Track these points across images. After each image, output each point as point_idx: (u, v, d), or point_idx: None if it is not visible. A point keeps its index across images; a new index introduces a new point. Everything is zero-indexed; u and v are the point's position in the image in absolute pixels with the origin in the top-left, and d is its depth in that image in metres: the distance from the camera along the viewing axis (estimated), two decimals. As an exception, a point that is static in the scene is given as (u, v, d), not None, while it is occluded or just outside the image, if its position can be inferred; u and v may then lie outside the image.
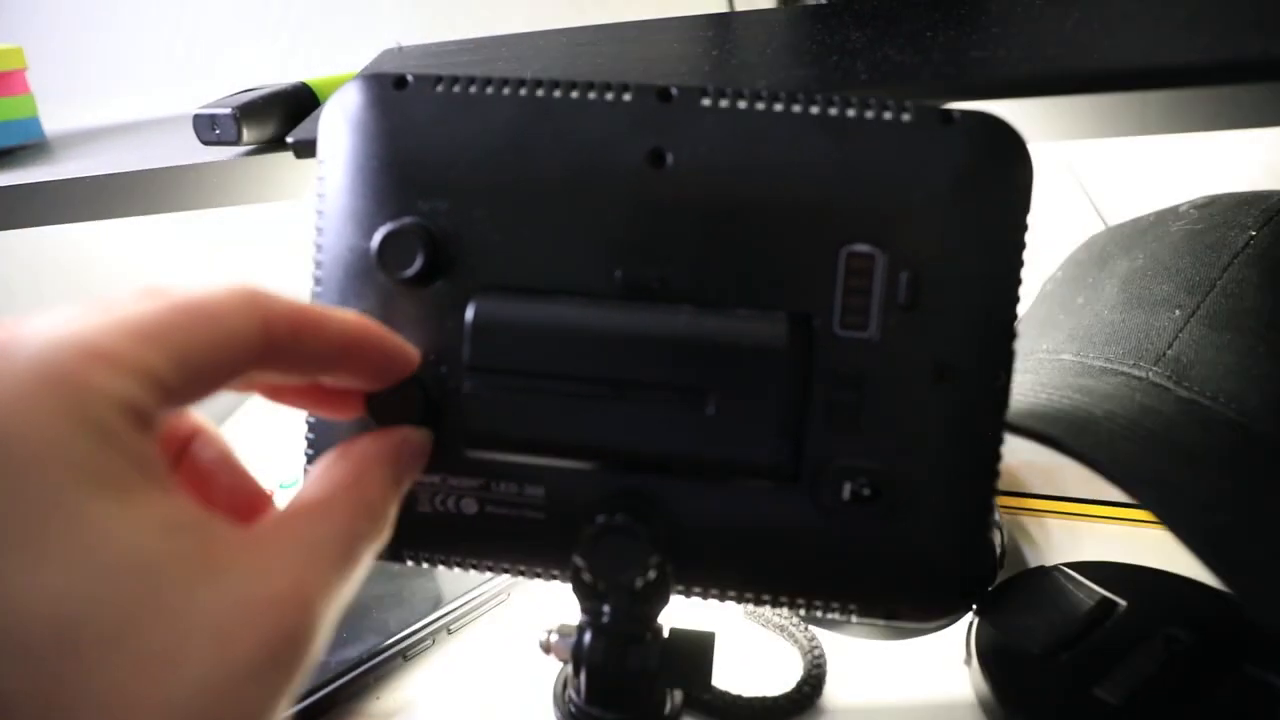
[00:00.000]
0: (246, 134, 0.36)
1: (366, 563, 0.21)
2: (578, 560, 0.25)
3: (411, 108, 0.26)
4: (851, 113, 0.24)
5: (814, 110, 0.24)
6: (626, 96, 0.25)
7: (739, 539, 0.26)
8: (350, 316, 0.22)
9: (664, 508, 0.26)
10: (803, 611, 0.27)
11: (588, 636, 0.28)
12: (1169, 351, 0.38)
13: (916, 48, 0.34)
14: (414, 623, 0.37)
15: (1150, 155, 0.60)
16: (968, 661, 0.34)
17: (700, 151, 0.25)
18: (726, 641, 0.36)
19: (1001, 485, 0.43)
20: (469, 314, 0.25)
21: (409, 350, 0.23)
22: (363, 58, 0.43)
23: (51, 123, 0.52)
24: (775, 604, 0.27)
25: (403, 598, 0.38)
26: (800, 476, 0.25)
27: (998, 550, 0.37)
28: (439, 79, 0.26)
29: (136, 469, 0.16)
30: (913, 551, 0.25)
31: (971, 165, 0.24)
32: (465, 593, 0.39)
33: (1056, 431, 0.33)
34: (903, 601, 0.26)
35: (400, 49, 0.43)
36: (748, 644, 0.36)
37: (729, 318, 0.24)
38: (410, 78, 0.26)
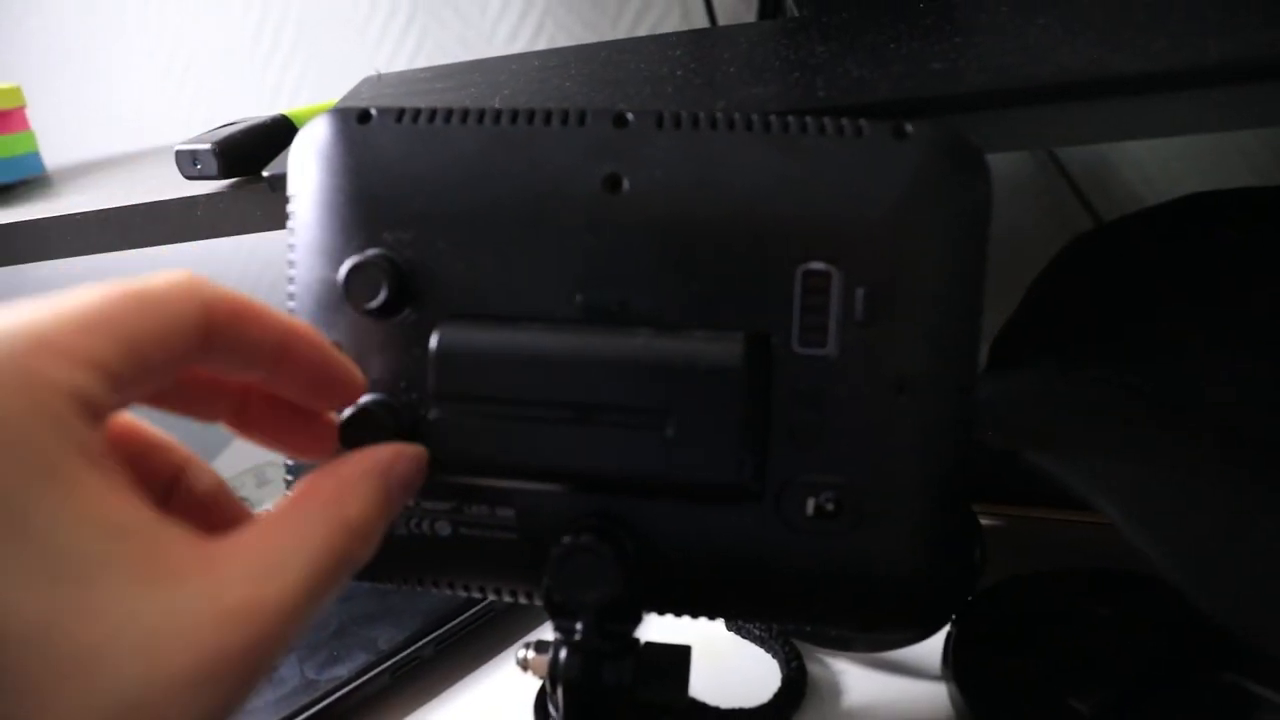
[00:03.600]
0: (227, 168, 0.37)
1: (342, 580, 0.20)
2: (546, 580, 0.26)
3: (375, 141, 0.27)
4: (805, 131, 0.24)
5: (767, 130, 0.25)
6: (583, 124, 0.26)
7: (707, 557, 0.26)
8: (290, 317, 0.22)
9: (633, 527, 0.26)
10: (775, 628, 0.27)
11: (562, 654, 0.29)
12: (1146, 354, 0.38)
13: (878, 61, 0.34)
14: (403, 641, 0.38)
15: (1142, 148, 0.59)
16: (944, 671, 0.34)
17: (656, 176, 0.25)
18: (706, 652, 0.36)
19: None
20: (433, 343, 0.26)
21: (351, 368, 0.23)
22: (348, 86, 0.44)
23: (53, 155, 0.54)
24: (747, 620, 0.27)
25: (391, 616, 0.39)
26: (764, 495, 0.26)
27: (976, 559, 0.37)
28: (402, 113, 0.27)
29: (87, 463, 0.16)
30: (881, 566, 0.26)
31: (927, 179, 0.24)
32: (454, 611, 0.39)
33: (1022, 444, 0.33)
34: (873, 617, 0.26)
35: (379, 77, 0.44)
36: (728, 655, 0.37)
37: (686, 339, 0.25)
38: (374, 112, 0.27)
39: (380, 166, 0.26)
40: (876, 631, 0.26)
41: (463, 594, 0.29)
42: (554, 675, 0.29)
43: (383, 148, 0.26)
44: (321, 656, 0.37)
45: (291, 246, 0.28)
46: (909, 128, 0.24)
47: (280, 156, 0.37)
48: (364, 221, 0.26)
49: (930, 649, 0.35)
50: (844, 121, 0.25)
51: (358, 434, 0.25)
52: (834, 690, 0.35)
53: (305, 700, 0.36)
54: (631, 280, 0.25)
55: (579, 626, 0.28)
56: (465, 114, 0.26)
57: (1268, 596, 0.30)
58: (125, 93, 0.71)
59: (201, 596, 0.16)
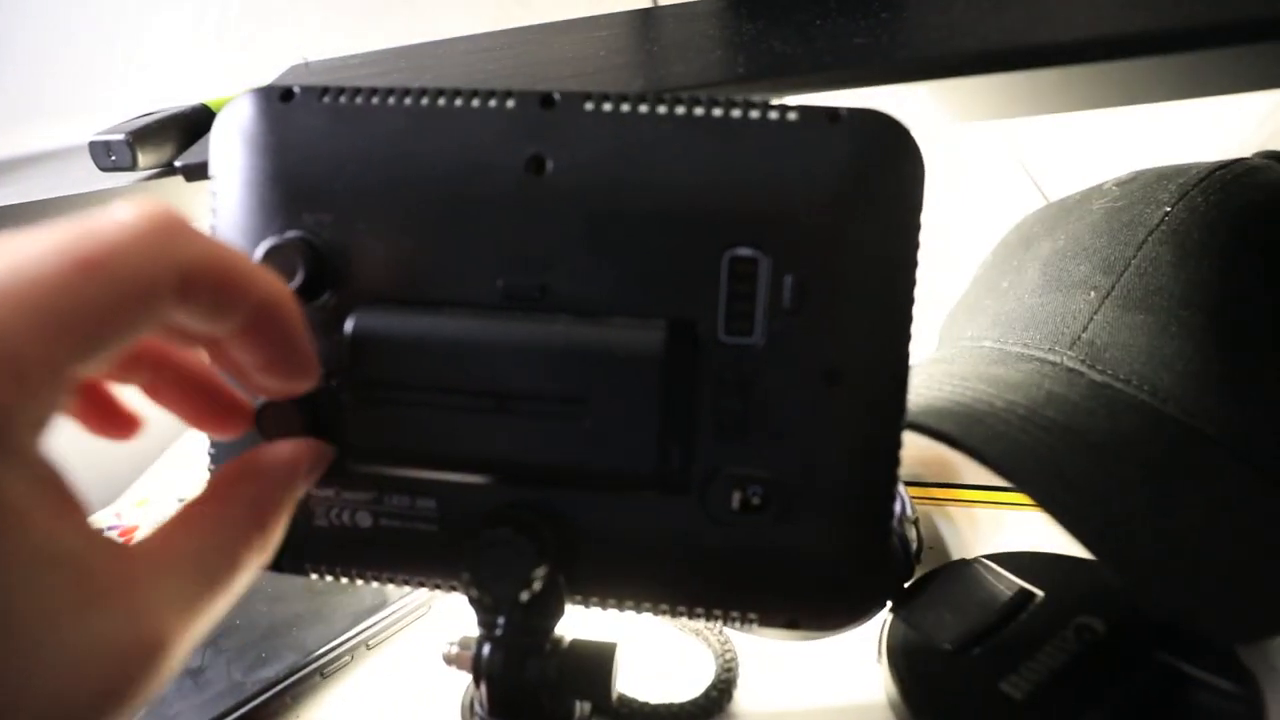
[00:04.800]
0: (142, 159, 0.36)
1: (249, 572, 0.20)
2: (464, 574, 0.25)
3: (297, 120, 0.26)
4: (736, 114, 0.24)
5: (698, 112, 0.24)
6: (509, 104, 0.25)
7: (631, 549, 0.26)
8: (276, 282, 0.21)
9: (554, 519, 0.26)
10: (704, 621, 0.26)
11: (486, 649, 0.28)
12: (1084, 335, 0.37)
13: (803, 37, 0.34)
14: (333, 640, 0.37)
15: (1097, 129, 0.59)
16: (879, 660, 0.33)
17: (580, 158, 0.24)
18: (640, 645, 0.35)
19: (930, 476, 0.43)
20: (348, 327, 0.25)
21: (313, 357, 0.22)
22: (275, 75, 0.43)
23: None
24: (674, 614, 0.26)
25: (322, 615, 0.38)
26: (690, 486, 0.25)
27: (914, 546, 0.37)
28: (325, 90, 0.26)
29: (36, 492, 0.16)
30: (809, 559, 0.25)
31: (858, 163, 0.23)
32: (384, 608, 0.39)
33: (948, 426, 0.32)
34: (802, 610, 0.26)
35: (307, 64, 0.43)
36: (662, 648, 0.36)
37: (606, 326, 0.24)
38: (296, 90, 0.26)
39: (301, 146, 0.26)
40: (804, 627, 0.25)
41: (386, 585, 0.28)
42: (477, 670, 0.29)
43: (304, 127, 0.26)
44: (249, 658, 0.37)
45: (213, 229, 0.27)
46: (842, 112, 0.23)
47: (195, 146, 0.36)
48: (283, 202, 0.26)
49: (866, 635, 0.34)
50: (776, 104, 0.24)
51: (276, 425, 0.25)
52: (768, 679, 0.34)
53: (233, 702, 0.35)
54: (554, 265, 0.25)
55: (501, 621, 0.27)
56: (390, 92, 0.25)
57: (1191, 576, 0.30)
58: (52, 90, 0.70)
59: (123, 621, 0.16)
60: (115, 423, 0.23)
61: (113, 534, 0.47)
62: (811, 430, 0.24)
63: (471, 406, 0.24)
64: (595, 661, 0.28)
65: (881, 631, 0.34)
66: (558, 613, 0.27)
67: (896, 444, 0.25)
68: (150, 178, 0.37)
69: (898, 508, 0.36)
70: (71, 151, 0.54)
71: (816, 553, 0.25)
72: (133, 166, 0.36)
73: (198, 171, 0.34)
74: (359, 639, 0.37)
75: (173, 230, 0.17)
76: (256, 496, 0.21)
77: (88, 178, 0.38)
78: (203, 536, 0.20)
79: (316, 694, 0.36)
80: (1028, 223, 0.45)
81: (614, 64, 0.34)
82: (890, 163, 0.24)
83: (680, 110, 0.24)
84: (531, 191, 0.24)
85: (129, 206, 0.17)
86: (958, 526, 0.42)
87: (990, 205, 0.58)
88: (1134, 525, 0.30)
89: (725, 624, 0.26)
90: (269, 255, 0.25)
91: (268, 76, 0.43)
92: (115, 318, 0.16)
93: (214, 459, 0.28)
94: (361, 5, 0.60)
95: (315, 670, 0.36)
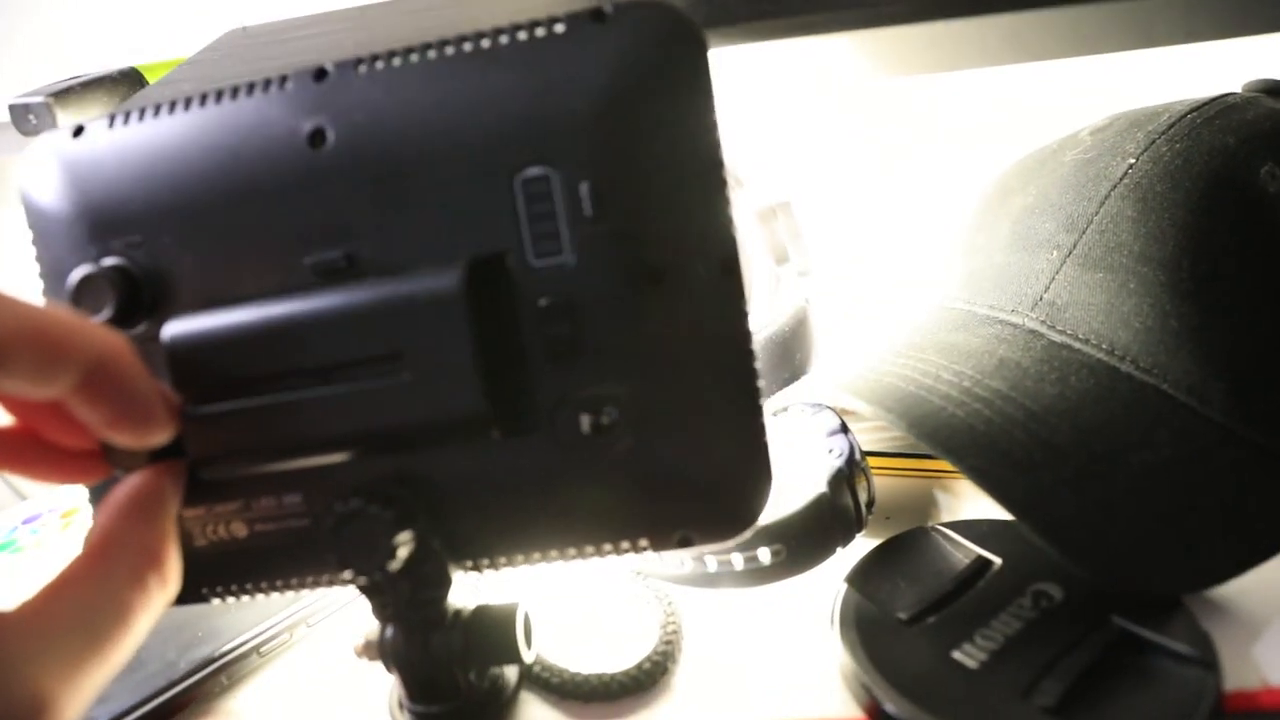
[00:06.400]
0: (64, 123, 0.35)
1: (150, 612, 0.21)
2: (327, 557, 0.24)
3: (91, 153, 0.26)
4: (504, 40, 0.23)
5: (466, 48, 0.24)
6: (287, 85, 0.25)
7: (498, 499, 0.25)
8: (106, 335, 0.20)
9: (414, 483, 0.25)
10: (598, 559, 0.25)
11: (388, 633, 0.27)
12: (1045, 295, 0.36)
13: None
14: (270, 618, 0.36)
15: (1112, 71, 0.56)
16: (832, 626, 0.32)
17: (358, 121, 0.24)
18: (585, 615, 0.34)
19: (889, 446, 0.41)
20: (162, 339, 0.24)
21: (167, 396, 0.23)
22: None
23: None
24: (564, 557, 0.25)
25: (262, 593, 0.37)
26: (538, 421, 0.24)
27: (865, 496, 0.35)
28: (113, 118, 0.26)
29: None
30: (681, 470, 0.24)
31: (632, 59, 0.23)
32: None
33: (888, 405, 0.32)
34: (688, 524, 0.25)
35: (244, 29, 0.42)
36: (607, 617, 0.35)
37: (407, 278, 0.24)
38: (87, 125, 0.26)
39: (99, 176, 0.26)
40: (696, 543, 0.24)
41: (281, 593, 0.27)
42: (384, 656, 0.28)
43: (99, 157, 0.26)
44: (184, 637, 0.35)
45: (41, 278, 0.27)
46: (607, 8, 0.23)
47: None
48: (92, 234, 0.26)
49: (818, 606, 0.33)
50: (542, 19, 0.23)
51: (123, 458, 0.24)
52: (714, 648, 0.33)
53: (165, 681, 0.34)
54: (354, 233, 0.24)
55: (389, 600, 0.27)
56: (172, 104, 0.26)
57: (1124, 534, 0.29)
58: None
59: None
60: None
61: (53, 515, 0.46)
62: (645, 337, 0.24)
63: (298, 387, 0.24)
64: (499, 624, 0.28)
65: (835, 601, 0.33)
66: (443, 581, 0.26)
67: (745, 333, 0.24)
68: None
69: (844, 455, 0.35)
70: None
71: (687, 461, 0.24)
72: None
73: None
74: (298, 618, 0.36)
75: None
76: (135, 535, 0.22)
77: (9, 143, 0.37)
78: (84, 593, 0.20)
79: (254, 674, 0.35)
80: (1005, 174, 0.44)
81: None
82: (666, 50, 0.23)
83: (449, 51, 0.24)
84: (317, 165, 0.24)
85: None
86: (916, 496, 0.41)
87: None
88: (1061, 489, 0.29)
89: (619, 555, 0.25)
90: (80, 287, 0.25)
91: (205, 41, 0.42)
92: None
93: (91, 499, 0.27)
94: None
95: (252, 649, 0.35)
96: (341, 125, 0.24)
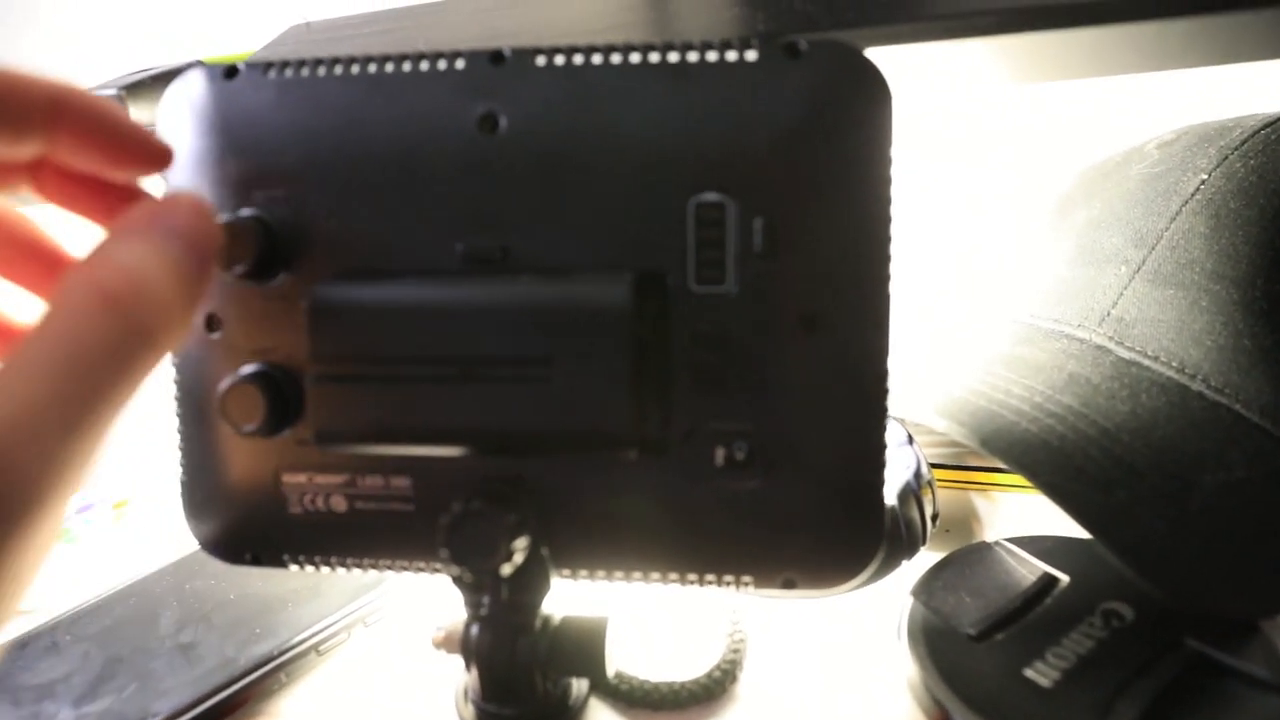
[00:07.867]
0: (134, 115, 0.35)
1: (145, 365, 0.16)
2: (441, 551, 0.24)
3: (243, 97, 0.25)
4: (692, 57, 0.23)
5: (652, 58, 0.23)
6: (459, 64, 0.24)
7: (614, 516, 0.25)
8: (60, 79, 0.19)
9: (533, 488, 0.25)
10: (696, 587, 0.25)
11: (474, 630, 0.27)
12: (1113, 310, 0.36)
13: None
14: (329, 616, 0.36)
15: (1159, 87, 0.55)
16: (899, 639, 0.32)
17: (534, 112, 0.23)
18: (650, 624, 0.34)
19: (953, 458, 0.41)
20: (306, 303, 0.24)
21: (144, 131, 0.20)
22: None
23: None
24: (664, 581, 0.25)
25: (318, 591, 0.37)
26: (670, 445, 0.24)
27: (930, 511, 0.35)
28: (270, 65, 0.25)
29: None
30: (800, 514, 0.24)
31: (822, 99, 0.22)
32: (381, 584, 0.37)
33: (962, 420, 0.31)
34: (798, 568, 0.24)
35: (308, 24, 0.42)
36: (672, 626, 0.35)
37: (569, 282, 0.23)
38: (242, 67, 0.25)
39: (248, 123, 0.25)
40: (800, 586, 0.24)
41: (368, 571, 0.27)
42: (467, 653, 0.28)
43: (251, 103, 0.25)
44: (243, 634, 0.35)
45: None
46: (803, 46, 0.22)
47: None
48: (234, 181, 0.25)
49: (882, 616, 0.33)
50: (734, 41, 0.23)
51: (239, 409, 0.24)
52: (779, 659, 0.33)
53: (225, 678, 0.34)
54: (513, 225, 0.24)
55: (486, 600, 0.26)
56: (335, 62, 0.25)
57: (1200, 555, 0.28)
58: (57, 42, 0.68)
59: None
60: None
61: (105, 505, 0.46)
62: (792, 379, 0.23)
63: (436, 376, 0.23)
64: (587, 637, 0.27)
65: (903, 614, 0.33)
66: (543, 587, 0.26)
67: (883, 389, 0.23)
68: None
69: (912, 469, 0.35)
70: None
71: (807, 507, 0.24)
72: (126, 123, 0.35)
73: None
74: (356, 616, 0.36)
75: None
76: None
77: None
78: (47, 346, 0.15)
79: (312, 671, 0.35)
80: (1069, 187, 0.43)
81: (624, 21, 0.33)
82: (854, 95, 0.22)
83: (635, 58, 0.23)
84: (485, 151, 0.24)
85: None
86: (980, 509, 0.41)
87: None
88: (1139, 509, 0.29)
89: (720, 588, 0.25)
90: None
91: (269, 36, 0.42)
92: None
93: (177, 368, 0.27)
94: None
95: (311, 647, 0.35)
96: (517, 115, 0.23)
